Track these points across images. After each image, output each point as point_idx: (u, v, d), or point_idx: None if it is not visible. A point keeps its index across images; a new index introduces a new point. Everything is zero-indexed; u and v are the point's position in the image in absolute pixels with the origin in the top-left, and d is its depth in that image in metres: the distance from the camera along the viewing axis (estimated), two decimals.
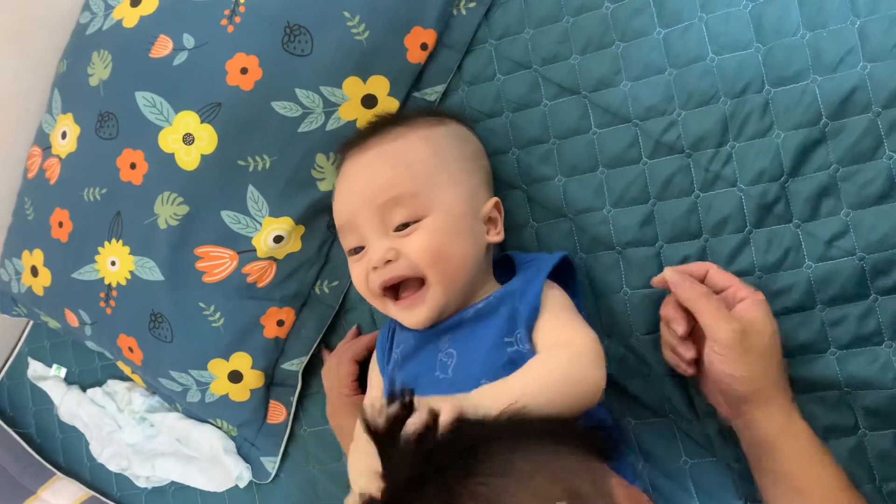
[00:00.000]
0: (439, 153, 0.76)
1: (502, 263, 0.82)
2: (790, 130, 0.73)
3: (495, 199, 0.78)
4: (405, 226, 0.74)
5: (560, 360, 0.66)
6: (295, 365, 0.94)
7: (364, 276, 0.76)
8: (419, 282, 0.74)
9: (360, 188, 0.76)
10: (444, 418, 0.51)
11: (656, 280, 0.73)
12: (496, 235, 0.78)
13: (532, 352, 0.69)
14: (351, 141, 0.81)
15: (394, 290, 0.76)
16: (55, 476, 1.09)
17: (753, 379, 0.68)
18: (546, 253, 0.80)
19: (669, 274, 0.71)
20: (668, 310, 0.73)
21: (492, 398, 0.58)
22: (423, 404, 0.51)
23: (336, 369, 0.88)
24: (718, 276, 0.72)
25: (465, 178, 0.77)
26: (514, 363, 0.69)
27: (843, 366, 0.71)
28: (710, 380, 0.71)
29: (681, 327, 0.71)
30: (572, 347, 0.67)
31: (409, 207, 0.74)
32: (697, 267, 0.73)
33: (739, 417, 0.71)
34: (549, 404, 0.61)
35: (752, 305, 0.68)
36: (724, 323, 0.67)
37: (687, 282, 0.70)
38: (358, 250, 0.77)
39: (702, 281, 0.72)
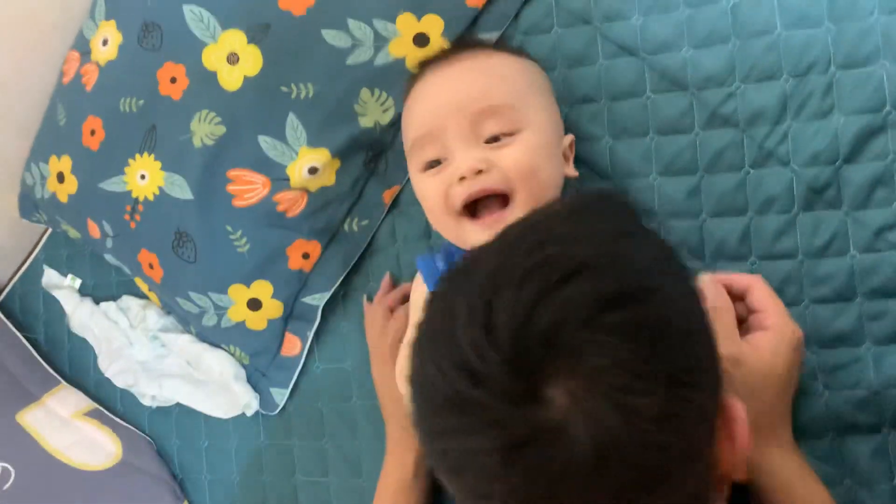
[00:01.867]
0: (526, 76, 0.75)
1: None
2: (851, 115, 0.71)
3: (572, 136, 0.77)
4: (497, 139, 0.71)
5: None
6: (316, 299, 0.93)
7: (443, 191, 0.72)
8: (502, 201, 0.71)
9: (449, 96, 0.73)
10: None
11: None
12: (571, 170, 0.76)
13: None
14: (430, 60, 0.78)
15: (470, 207, 0.72)
16: (60, 385, 1.09)
17: None
18: None
19: (702, 280, 0.67)
20: None
21: None
22: None
23: (380, 320, 0.86)
24: (759, 295, 0.67)
25: (551, 105, 0.76)
26: None
27: (877, 362, 0.70)
28: None
29: None
30: None
31: (505, 119, 0.71)
32: (741, 279, 0.69)
33: None
34: None
35: (765, 339, 0.65)
36: (722, 344, 0.64)
37: (712, 292, 0.66)
38: (435, 164, 0.74)
39: (742, 294, 0.68)
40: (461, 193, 0.70)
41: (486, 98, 0.71)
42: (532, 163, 0.70)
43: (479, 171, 0.70)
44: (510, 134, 0.71)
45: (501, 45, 0.81)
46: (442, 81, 0.75)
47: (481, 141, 0.71)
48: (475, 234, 0.71)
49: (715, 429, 0.45)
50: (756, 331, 0.66)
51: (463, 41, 0.81)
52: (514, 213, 0.69)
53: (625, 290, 0.42)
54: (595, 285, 0.41)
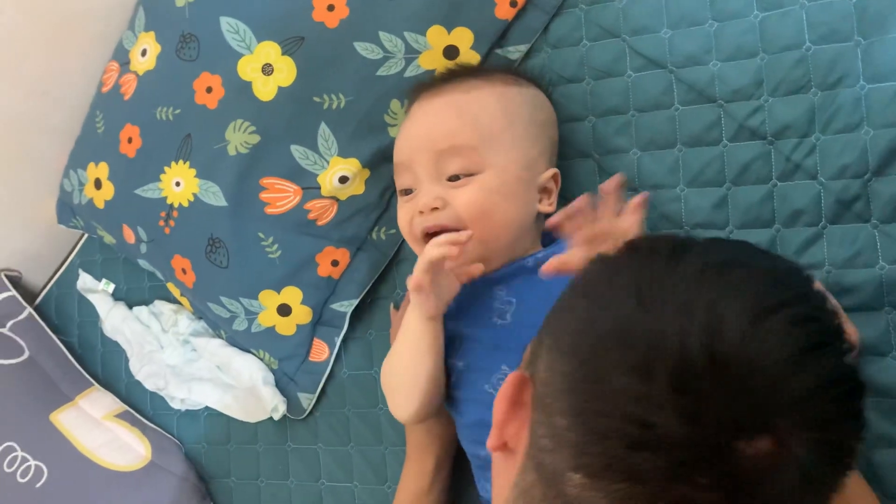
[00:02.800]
0: (509, 113, 0.76)
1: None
2: (881, 129, 0.71)
3: (554, 170, 0.78)
4: (458, 178, 0.74)
5: None
6: (344, 306, 0.94)
7: (409, 219, 0.77)
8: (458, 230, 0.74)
9: (422, 131, 0.77)
10: None
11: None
12: (548, 206, 0.77)
13: None
14: (425, 84, 0.81)
15: (433, 236, 0.74)
16: (93, 386, 1.11)
17: None
18: None
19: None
20: None
21: None
22: None
23: (394, 328, 0.88)
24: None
25: (529, 143, 0.77)
26: None
27: None
28: None
29: None
30: None
31: (466, 159, 0.74)
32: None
33: None
34: None
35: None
36: None
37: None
38: (409, 192, 0.78)
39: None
40: (419, 224, 0.76)
41: (451, 138, 0.75)
42: (484, 205, 0.73)
43: (435, 209, 0.74)
44: (470, 174, 0.74)
45: (500, 70, 0.82)
46: (422, 115, 0.79)
47: (444, 178, 0.75)
48: None
49: None
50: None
51: (461, 68, 0.83)
52: (466, 247, 0.72)
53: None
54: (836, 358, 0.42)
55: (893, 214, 0.71)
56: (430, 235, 0.75)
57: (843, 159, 0.73)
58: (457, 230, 0.74)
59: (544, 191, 0.78)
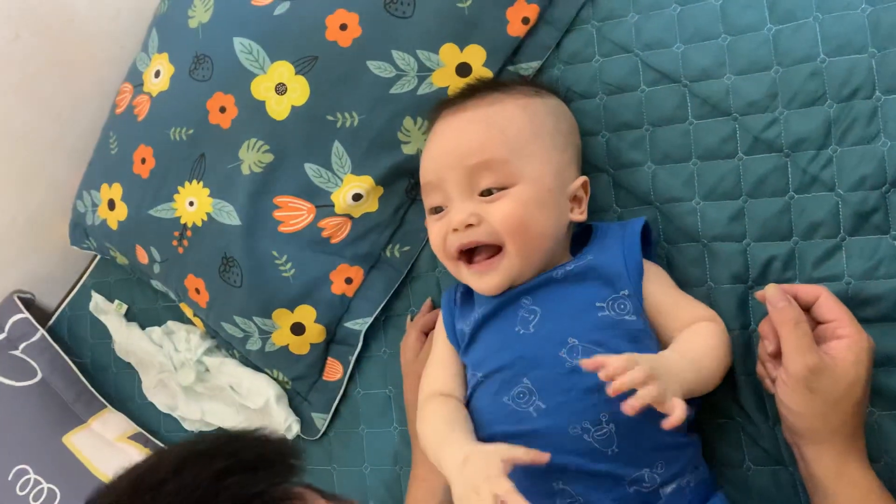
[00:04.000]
0: (534, 123, 0.76)
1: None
2: None
3: (584, 178, 0.78)
4: (490, 192, 0.74)
5: (719, 333, 0.72)
6: (358, 324, 0.94)
7: (442, 237, 0.76)
8: (495, 248, 0.74)
9: (450, 148, 0.76)
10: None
11: (759, 293, 0.70)
12: (580, 214, 0.77)
13: (635, 320, 0.71)
14: (446, 102, 0.81)
15: (468, 253, 0.76)
16: (106, 408, 1.10)
17: (809, 418, 0.66)
18: (618, 222, 0.80)
19: (771, 291, 0.68)
20: (763, 326, 0.71)
21: (679, 355, 0.68)
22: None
23: (413, 343, 0.88)
24: (828, 304, 0.67)
25: (558, 153, 0.76)
26: (605, 328, 0.71)
27: None
28: None
29: (770, 346, 0.69)
30: (718, 322, 0.72)
31: (499, 173, 0.73)
32: (807, 290, 0.69)
33: (794, 447, 0.69)
34: (715, 373, 0.70)
35: (845, 347, 0.64)
36: (800, 356, 0.64)
37: (783, 302, 0.66)
38: (439, 210, 0.77)
39: (808, 306, 0.68)
40: (454, 242, 0.75)
41: (481, 153, 0.74)
42: (521, 217, 0.73)
43: (470, 225, 0.73)
44: (503, 188, 0.73)
45: (519, 83, 0.81)
46: (447, 132, 0.78)
47: (476, 193, 0.74)
48: (469, 278, 0.76)
49: None
50: (830, 340, 0.66)
51: (481, 82, 0.83)
52: (506, 260, 0.74)
53: None
54: None
55: None
56: (464, 253, 0.75)
57: (860, 171, 0.72)
58: (494, 246, 0.74)
59: (574, 199, 0.77)
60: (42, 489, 1.03)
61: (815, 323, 0.68)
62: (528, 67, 0.88)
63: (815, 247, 0.74)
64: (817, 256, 0.74)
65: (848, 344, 0.65)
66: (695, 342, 0.71)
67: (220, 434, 0.45)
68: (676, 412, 0.61)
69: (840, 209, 0.73)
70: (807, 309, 0.68)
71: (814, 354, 0.64)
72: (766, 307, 0.68)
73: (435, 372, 0.81)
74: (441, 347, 0.81)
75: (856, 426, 0.66)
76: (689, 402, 0.72)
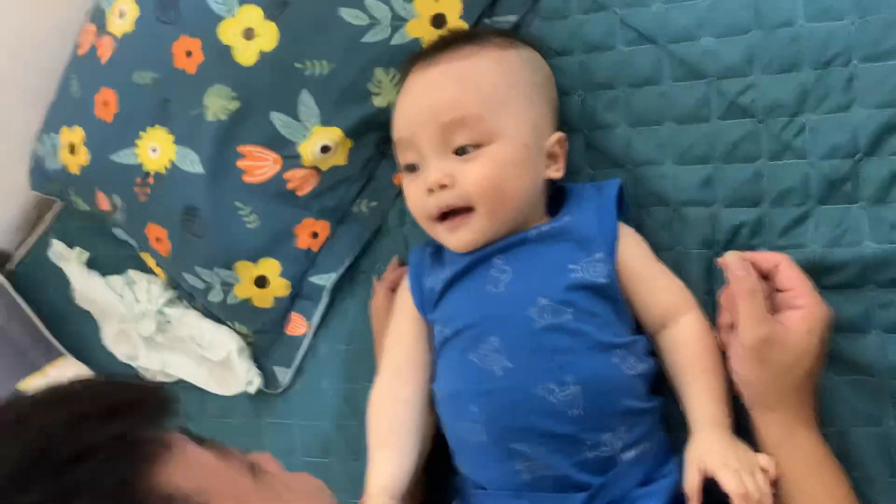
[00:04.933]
0: (509, 77, 0.74)
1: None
2: (872, 109, 0.70)
3: (560, 133, 0.76)
4: (465, 150, 0.72)
5: (706, 337, 0.72)
6: (324, 280, 0.92)
7: (419, 198, 0.75)
8: (468, 207, 0.73)
9: (424, 104, 0.74)
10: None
11: (720, 260, 0.70)
12: (556, 171, 0.76)
13: (607, 283, 0.71)
14: (419, 54, 0.79)
15: (447, 216, 0.75)
16: (63, 356, 1.09)
17: (759, 386, 0.67)
18: (593, 183, 0.79)
19: (731, 258, 0.67)
20: (722, 295, 0.71)
21: (715, 423, 0.69)
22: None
23: (382, 300, 0.87)
24: (787, 273, 0.67)
25: (534, 107, 0.75)
26: (575, 289, 0.70)
27: (883, 350, 0.69)
28: None
29: (727, 317, 0.69)
30: (695, 312, 0.73)
31: (474, 130, 0.72)
32: (767, 258, 0.68)
33: (749, 415, 0.70)
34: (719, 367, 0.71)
35: (799, 317, 0.65)
36: (753, 326, 0.64)
37: (741, 271, 0.66)
38: (413, 168, 0.76)
39: (769, 273, 0.68)
40: (433, 205, 0.74)
41: (455, 108, 0.72)
42: (495, 179, 0.71)
43: (444, 186, 0.72)
44: (478, 145, 0.72)
45: (494, 34, 0.79)
46: (420, 86, 0.76)
47: (450, 151, 0.73)
48: (443, 235, 0.75)
49: None
50: (786, 310, 0.66)
51: (453, 34, 0.80)
52: (476, 219, 0.73)
53: None
54: None
55: (882, 195, 0.70)
56: (443, 215, 0.74)
57: (833, 139, 0.71)
58: (466, 209, 0.72)
59: (551, 156, 0.76)
60: None
61: (774, 291, 0.68)
62: (504, 21, 0.85)
63: (783, 214, 0.73)
64: (785, 224, 0.73)
65: (803, 314, 0.65)
66: (705, 383, 0.71)
67: (81, 379, 0.42)
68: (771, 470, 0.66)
69: (810, 177, 0.72)
70: (767, 276, 0.68)
71: (767, 325, 0.64)
72: (725, 274, 0.68)
73: (396, 347, 0.80)
74: (403, 313, 0.80)
75: (806, 395, 0.67)
76: (650, 360, 0.73)
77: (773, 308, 0.67)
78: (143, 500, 0.35)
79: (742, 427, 0.71)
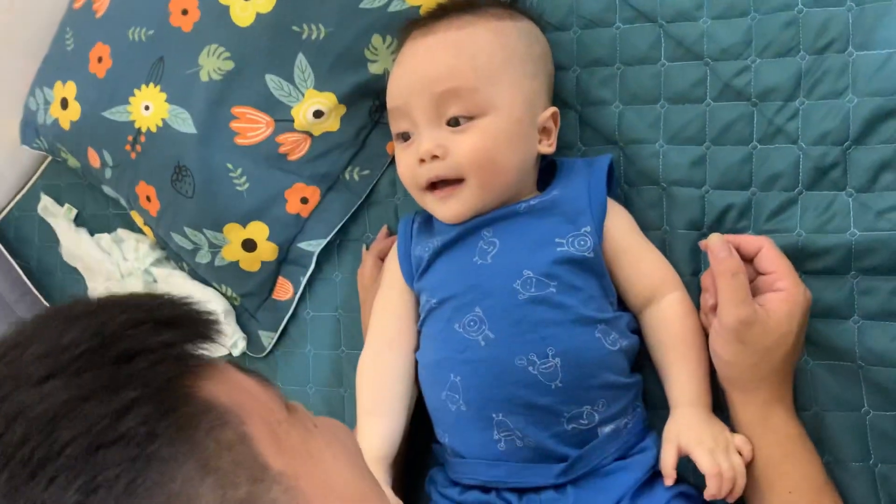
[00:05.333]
0: (506, 49, 0.74)
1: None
2: (864, 97, 0.70)
3: (554, 108, 0.76)
4: (458, 121, 0.72)
5: (690, 316, 0.73)
6: (312, 246, 0.92)
7: (410, 167, 0.75)
8: (459, 179, 0.73)
9: (419, 73, 0.74)
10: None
11: (702, 242, 0.71)
12: (548, 146, 0.76)
13: (592, 257, 0.71)
14: (415, 22, 0.78)
15: (436, 186, 0.75)
16: None
17: (738, 367, 0.67)
18: (584, 158, 0.79)
19: (714, 241, 0.68)
20: (705, 278, 0.71)
21: (693, 403, 0.70)
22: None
23: (370, 269, 0.87)
24: (769, 256, 0.67)
25: (528, 80, 0.74)
26: (561, 262, 0.71)
27: (861, 336, 0.70)
28: None
29: (711, 299, 0.69)
30: (679, 291, 0.73)
31: (467, 102, 0.72)
32: (750, 241, 0.69)
33: (726, 395, 0.71)
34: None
35: (779, 300, 0.65)
36: (734, 307, 0.65)
37: (724, 253, 0.67)
38: (406, 136, 0.76)
39: (751, 256, 0.69)
40: (423, 175, 0.74)
41: (450, 79, 0.72)
42: (487, 151, 0.72)
43: (435, 156, 0.72)
44: (471, 117, 0.72)
45: (493, 5, 0.78)
46: (415, 55, 0.76)
47: (444, 121, 0.73)
48: (432, 205, 0.76)
49: None
50: (767, 292, 0.66)
51: (452, 2, 0.79)
52: (466, 191, 0.73)
53: None
54: None
55: (869, 183, 0.70)
56: (433, 185, 0.74)
57: (824, 125, 0.72)
58: (457, 180, 0.73)
59: (544, 130, 0.76)
60: None
61: (756, 273, 0.69)
62: None
63: (772, 198, 0.74)
64: (773, 208, 0.73)
65: (783, 297, 0.66)
66: (686, 362, 0.71)
67: (144, 293, 0.45)
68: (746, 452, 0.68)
69: (801, 162, 0.73)
70: (749, 260, 0.69)
71: (747, 306, 0.65)
72: (709, 257, 0.68)
73: (383, 316, 0.80)
74: (391, 283, 0.80)
75: (783, 376, 0.68)
76: (633, 336, 0.73)
77: (755, 291, 0.68)
78: (184, 403, 0.37)
79: (719, 406, 0.72)
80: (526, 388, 0.69)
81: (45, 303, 1.09)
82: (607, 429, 0.71)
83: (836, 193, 0.72)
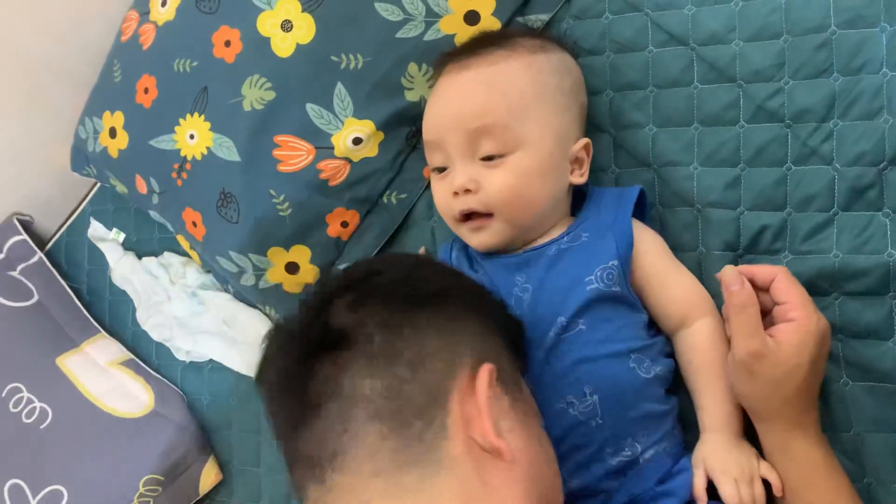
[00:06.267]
0: (537, 84, 0.75)
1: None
2: None
3: (586, 140, 0.77)
4: (490, 157, 0.74)
5: (720, 342, 0.72)
6: None
7: (446, 198, 0.77)
8: (488, 213, 0.76)
9: (452, 110, 0.76)
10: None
11: (718, 275, 0.70)
12: (580, 177, 0.77)
13: (620, 291, 0.72)
14: (449, 55, 0.80)
15: (469, 218, 0.77)
16: (99, 333, 1.12)
17: (752, 399, 0.68)
18: (613, 189, 0.80)
19: (727, 273, 0.68)
20: (724, 309, 0.71)
21: (721, 428, 0.71)
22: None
23: None
24: (783, 287, 0.67)
25: (560, 114, 0.76)
26: (592, 301, 0.71)
27: None
28: None
29: (728, 331, 0.70)
30: (710, 317, 0.73)
31: (499, 139, 0.74)
32: (764, 271, 0.68)
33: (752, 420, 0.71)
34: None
35: (791, 331, 0.65)
36: (743, 340, 0.65)
37: (735, 286, 0.66)
38: (442, 170, 0.78)
39: (767, 286, 0.68)
40: (456, 207, 0.76)
41: (482, 117, 0.74)
42: (516, 189, 0.74)
43: (468, 190, 0.74)
44: (503, 154, 0.74)
45: (525, 35, 0.80)
46: (449, 90, 0.78)
47: (477, 157, 0.75)
48: (466, 235, 0.78)
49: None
50: (780, 322, 0.66)
51: (485, 35, 0.82)
52: (495, 224, 0.75)
53: None
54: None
55: None
56: (466, 217, 0.77)
57: (859, 146, 0.72)
58: (487, 215, 0.75)
59: (576, 161, 0.77)
60: (35, 407, 1.05)
61: (774, 303, 0.68)
62: (536, 19, 0.87)
63: (807, 219, 0.74)
64: (808, 229, 0.74)
65: (794, 327, 0.65)
66: (715, 388, 0.72)
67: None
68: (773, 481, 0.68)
69: (836, 183, 0.73)
70: (767, 289, 0.68)
71: (756, 339, 0.65)
72: (721, 289, 0.68)
73: None
74: None
75: (801, 406, 0.67)
76: (667, 360, 0.74)
77: (772, 320, 0.68)
78: (455, 363, 0.59)
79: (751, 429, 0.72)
80: (568, 430, 0.70)
81: (96, 325, 1.13)
82: (648, 455, 0.71)
83: (873, 214, 0.72)
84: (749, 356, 0.65)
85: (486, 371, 0.57)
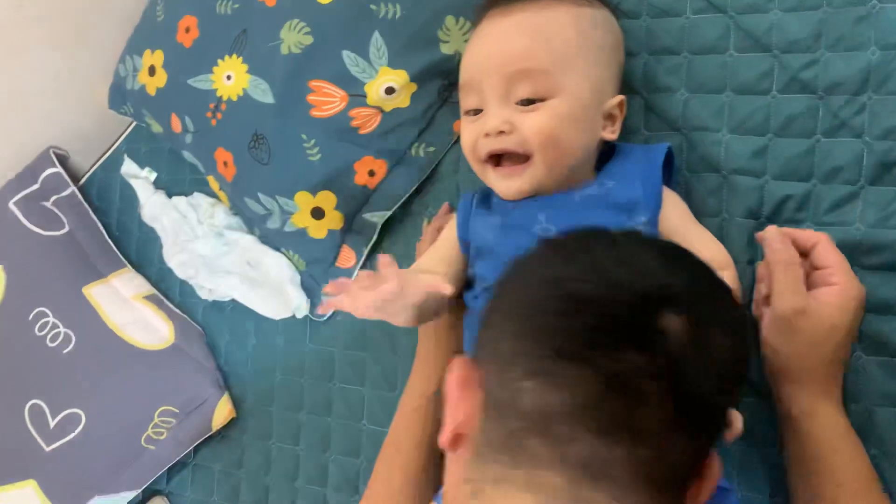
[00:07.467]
0: (581, 35, 0.75)
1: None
2: None
3: (622, 97, 0.77)
4: (528, 101, 0.74)
5: (736, 290, 0.70)
6: (376, 217, 0.96)
7: (474, 139, 0.77)
8: (523, 157, 0.75)
9: (493, 51, 0.76)
10: None
11: (759, 234, 0.72)
12: (611, 133, 0.77)
13: None
14: (494, 1, 0.80)
15: (496, 157, 0.77)
16: (126, 267, 1.15)
17: (789, 357, 0.68)
18: (642, 146, 0.80)
19: (771, 232, 0.69)
20: (760, 268, 0.73)
21: None
22: None
23: (429, 243, 0.88)
24: (825, 252, 0.68)
25: (600, 68, 0.76)
26: None
27: None
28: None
29: (764, 289, 0.71)
30: (728, 270, 0.72)
31: (538, 83, 0.73)
32: (807, 235, 0.70)
33: (773, 385, 0.71)
34: None
35: (834, 294, 0.66)
36: (788, 296, 0.66)
37: (779, 244, 0.68)
38: (475, 112, 0.78)
39: (807, 251, 0.70)
40: (484, 146, 0.75)
41: (523, 60, 0.73)
42: (553, 132, 0.73)
43: (502, 132, 0.74)
44: (541, 99, 0.73)
45: None
46: (491, 35, 0.77)
47: (513, 101, 0.74)
48: (494, 181, 0.77)
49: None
50: (822, 286, 0.67)
51: None
52: (531, 169, 0.74)
53: None
54: None
55: None
56: (493, 158, 0.76)
57: (891, 121, 0.72)
58: (522, 155, 0.74)
59: (609, 117, 0.77)
60: (59, 332, 1.08)
61: (813, 268, 0.69)
62: None
63: (832, 191, 0.74)
64: (833, 201, 0.74)
65: (837, 291, 0.66)
66: None
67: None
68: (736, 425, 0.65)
69: (864, 157, 0.73)
70: (805, 254, 0.70)
71: (801, 297, 0.66)
72: (764, 248, 0.69)
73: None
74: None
75: (832, 371, 0.68)
76: None
77: (809, 286, 0.69)
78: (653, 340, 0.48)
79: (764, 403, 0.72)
80: None
81: (123, 260, 1.16)
82: None
83: None
84: (793, 312, 0.66)
85: None
